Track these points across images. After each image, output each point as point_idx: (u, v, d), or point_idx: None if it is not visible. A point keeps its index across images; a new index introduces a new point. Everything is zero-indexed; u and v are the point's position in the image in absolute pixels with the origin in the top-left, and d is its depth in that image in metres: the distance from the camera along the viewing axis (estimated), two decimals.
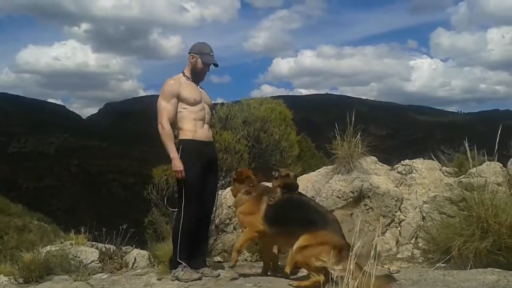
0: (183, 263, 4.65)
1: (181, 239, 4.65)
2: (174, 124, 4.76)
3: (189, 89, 4.80)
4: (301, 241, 4.14)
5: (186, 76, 4.89)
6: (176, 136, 4.79)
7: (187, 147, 4.66)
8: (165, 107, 4.69)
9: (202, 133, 4.81)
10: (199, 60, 4.86)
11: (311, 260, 4.06)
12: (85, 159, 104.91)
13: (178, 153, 4.67)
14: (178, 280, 4.60)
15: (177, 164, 4.59)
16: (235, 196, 4.97)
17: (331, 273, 3.97)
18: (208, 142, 4.91)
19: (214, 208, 5.61)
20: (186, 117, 4.74)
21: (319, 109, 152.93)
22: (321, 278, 4.06)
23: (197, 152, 4.69)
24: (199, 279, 4.61)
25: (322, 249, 4.04)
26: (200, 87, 4.96)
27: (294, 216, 4.43)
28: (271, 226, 4.51)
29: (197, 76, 4.93)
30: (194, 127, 4.75)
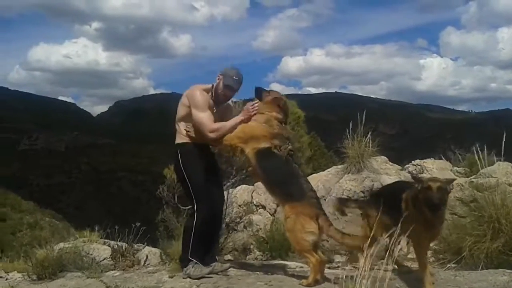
0: (194, 260, 4.68)
1: (193, 238, 4.67)
2: (182, 120, 4.78)
3: None
4: (284, 212, 4.44)
5: (212, 95, 4.80)
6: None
7: (187, 150, 4.72)
8: (204, 117, 4.62)
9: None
10: (221, 82, 4.77)
11: (300, 237, 4.24)
12: (95, 157, 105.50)
13: (178, 156, 4.74)
14: (190, 277, 4.63)
15: (245, 113, 4.60)
16: None
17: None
18: (208, 146, 4.95)
19: (225, 207, 5.63)
20: (194, 128, 4.74)
21: (328, 108, 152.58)
22: (317, 257, 4.23)
23: (198, 154, 4.72)
24: (210, 273, 4.63)
25: (302, 220, 4.24)
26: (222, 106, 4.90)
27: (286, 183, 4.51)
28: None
29: (217, 97, 4.84)
30: (198, 134, 4.74)
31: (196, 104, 4.66)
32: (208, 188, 4.76)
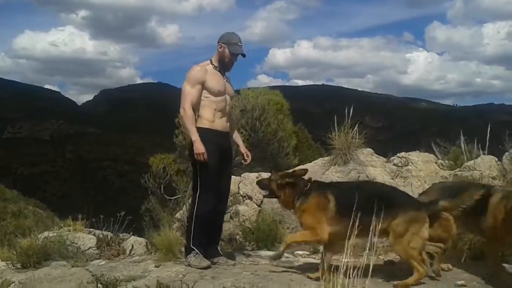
0: (196, 250, 4.69)
1: (194, 226, 4.69)
2: (195, 110, 4.74)
3: (214, 79, 4.77)
4: None
5: (214, 65, 4.86)
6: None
7: (203, 136, 4.63)
8: (189, 92, 4.67)
9: (220, 123, 4.80)
10: (227, 50, 4.80)
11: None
12: (80, 146, 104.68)
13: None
14: (190, 266, 4.65)
15: (199, 146, 4.55)
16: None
17: None
18: (225, 133, 4.87)
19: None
20: (206, 106, 4.73)
21: (315, 100, 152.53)
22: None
23: (213, 142, 4.65)
24: (208, 267, 4.62)
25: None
26: (225, 77, 4.93)
27: None
28: None
29: (224, 66, 4.90)
30: (212, 117, 4.74)
31: (188, 77, 4.74)
32: (216, 179, 4.74)
